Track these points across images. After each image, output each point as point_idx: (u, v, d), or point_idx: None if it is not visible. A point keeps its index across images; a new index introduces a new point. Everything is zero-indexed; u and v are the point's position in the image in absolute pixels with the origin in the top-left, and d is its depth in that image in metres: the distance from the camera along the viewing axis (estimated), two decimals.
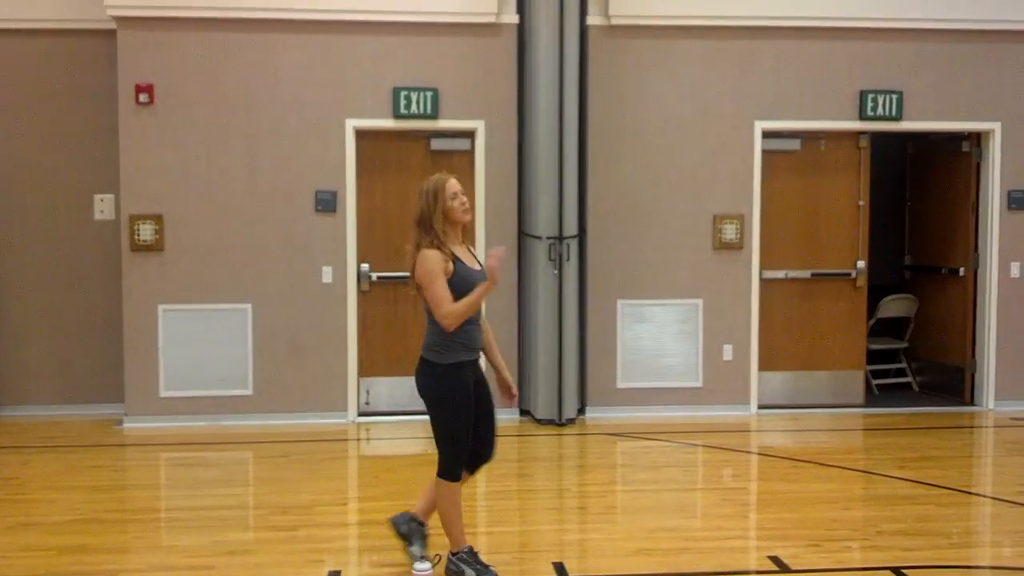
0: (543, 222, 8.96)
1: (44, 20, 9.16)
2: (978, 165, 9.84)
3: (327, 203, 9.03)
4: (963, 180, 9.98)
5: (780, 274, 9.66)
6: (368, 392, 9.29)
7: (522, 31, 9.12)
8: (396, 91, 9.01)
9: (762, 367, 9.59)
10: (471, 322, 4.98)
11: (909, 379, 10.78)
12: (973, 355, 9.95)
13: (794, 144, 9.59)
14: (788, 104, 9.44)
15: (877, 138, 9.83)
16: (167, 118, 8.89)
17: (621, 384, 9.38)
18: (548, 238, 8.94)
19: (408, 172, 9.22)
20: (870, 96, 9.44)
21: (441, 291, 4.83)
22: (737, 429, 8.98)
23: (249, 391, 9.03)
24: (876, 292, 10.30)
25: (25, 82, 9.26)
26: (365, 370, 9.25)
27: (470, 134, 9.20)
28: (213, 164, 8.94)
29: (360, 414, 9.21)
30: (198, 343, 8.96)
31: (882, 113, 9.47)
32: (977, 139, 9.81)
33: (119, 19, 8.83)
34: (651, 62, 9.32)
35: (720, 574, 5.27)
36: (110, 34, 8.97)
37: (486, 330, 5.18)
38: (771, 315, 9.62)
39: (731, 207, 9.42)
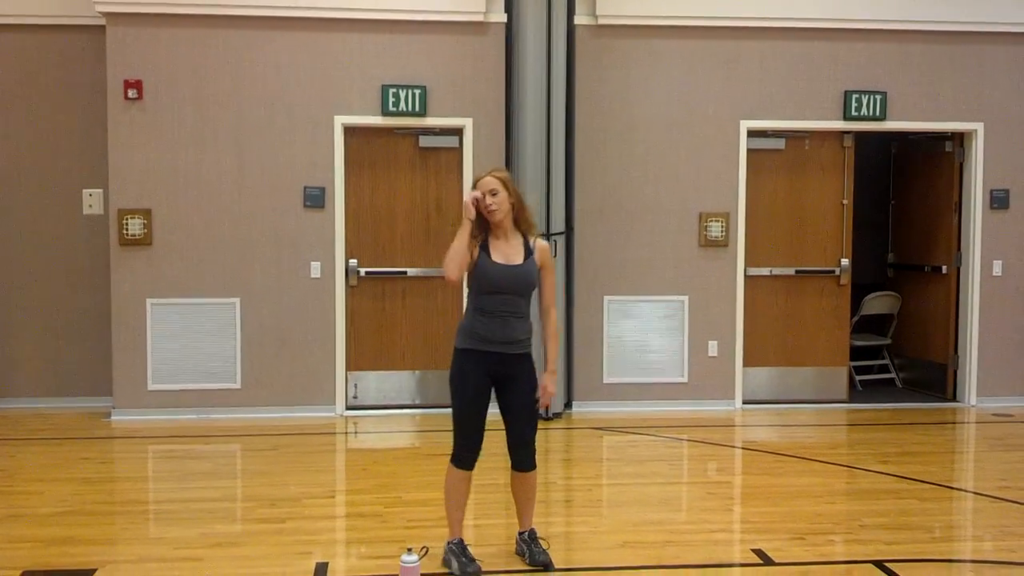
0: None
1: (33, 15, 9.19)
2: (961, 165, 9.94)
3: (315, 199, 9.06)
4: (946, 179, 10.09)
5: (765, 271, 9.73)
6: (356, 386, 9.33)
7: (510, 29, 9.16)
8: (385, 88, 9.05)
9: (747, 363, 9.67)
10: (489, 315, 5.06)
11: (892, 375, 10.89)
12: (955, 352, 10.05)
13: (779, 143, 9.67)
14: (773, 104, 9.51)
15: (861, 138, 9.92)
16: (156, 114, 8.91)
17: (607, 379, 9.45)
18: None
19: (396, 169, 9.27)
20: (854, 96, 9.52)
21: (451, 249, 5.03)
22: (722, 424, 9.05)
23: (237, 385, 9.06)
24: (860, 289, 10.40)
25: (14, 77, 9.27)
26: (353, 364, 9.29)
27: (458, 131, 9.25)
28: (202, 159, 8.96)
29: (348, 408, 9.25)
30: (186, 337, 9.00)
31: (866, 113, 9.55)
32: (960, 139, 9.91)
33: (108, 15, 8.84)
34: (638, 61, 9.38)
35: (705, 567, 5.32)
36: (99, 30, 8.99)
37: (545, 327, 5.26)
38: (756, 312, 9.70)
39: (716, 205, 9.49)
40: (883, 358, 10.97)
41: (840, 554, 5.59)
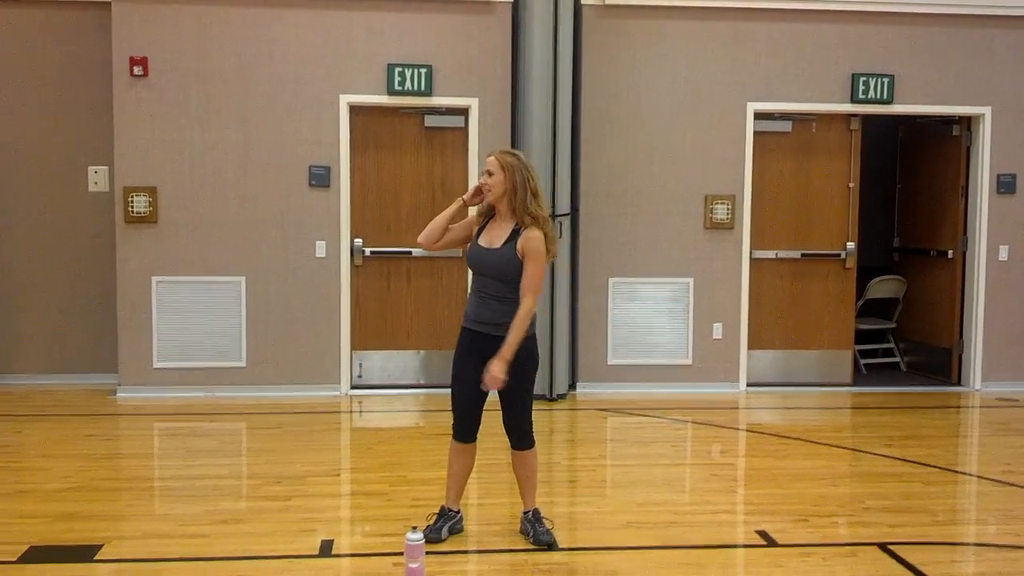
0: None
1: None
2: (968, 149, 9.91)
3: (321, 178, 9.05)
4: (953, 164, 10.05)
5: (770, 254, 9.72)
6: (361, 365, 9.33)
7: (516, 9, 9.13)
8: (391, 67, 9.03)
9: (751, 346, 9.67)
10: (474, 294, 5.18)
11: (897, 359, 10.89)
12: (961, 336, 10.05)
13: (786, 126, 9.65)
14: (780, 86, 9.48)
15: (868, 121, 9.89)
16: (161, 91, 8.89)
17: (612, 361, 9.46)
18: None
19: (402, 148, 9.25)
20: (862, 79, 9.49)
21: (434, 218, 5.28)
22: (726, 406, 9.05)
23: (242, 363, 9.07)
24: (865, 273, 10.39)
25: (19, 53, 9.25)
26: (358, 343, 9.29)
27: (464, 111, 9.22)
28: (207, 137, 8.95)
29: (353, 387, 9.27)
30: (192, 315, 9.00)
31: (873, 96, 9.52)
32: (967, 123, 9.88)
33: None
34: (644, 42, 9.35)
35: (709, 547, 5.33)
36: (104, 6, 8.96)
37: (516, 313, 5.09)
38: (761, 295, 9.69)
39: (722, 187, 9.48)
40: (888, 342, 10.96)
41: (844, 536, 5.60)
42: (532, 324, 5.12)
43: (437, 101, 9.16)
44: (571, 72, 9.07)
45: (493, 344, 5.03)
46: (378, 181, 9.25)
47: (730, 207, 9.45)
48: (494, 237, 5.14)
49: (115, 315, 9.01)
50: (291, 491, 6.19)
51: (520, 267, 5.04)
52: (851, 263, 9.83)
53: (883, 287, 10.74)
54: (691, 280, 9.50)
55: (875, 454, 7.33)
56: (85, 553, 5.08)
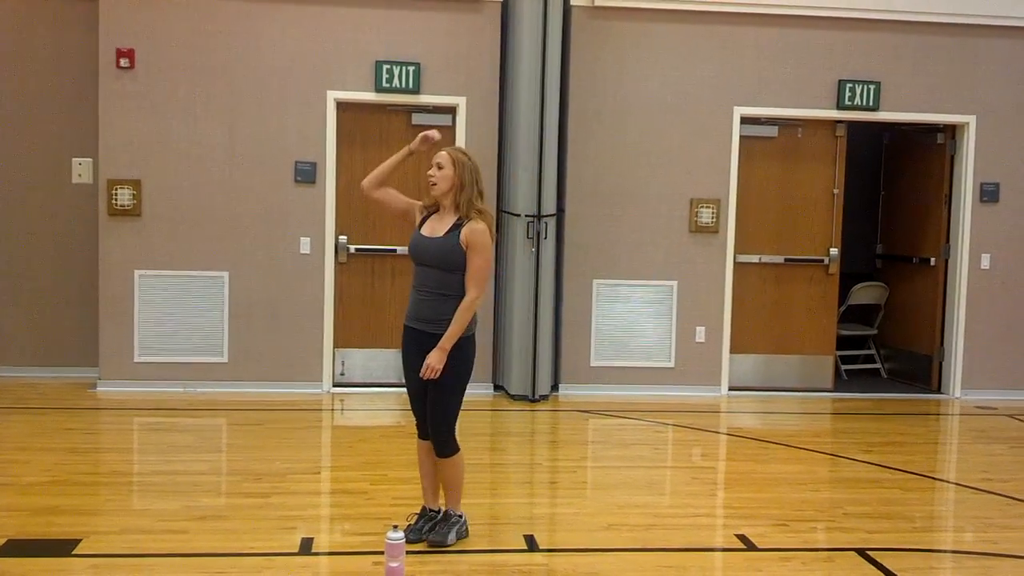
0: (522, 200, 9.00)
1: None
2: (952, 157, 9.96)
3: (306, 174, 9.03)
4: (937, 172, 10.10)
5: (754, 259, 9.75)
6: (343, 363, 9.32)
7: (506, 8, 9.13)
8: (378, 64, 9.01)
9: (734, 349, 9.69)
10: (413, 289, 5.17)
11: (878, 365, 10.94)
12: (941, 344, 10.09)
13: (772, 131, 9.68)
14: (767, 91, 9.51)
15: (854, 127, 9.92)
16: (147, 84, 8.85)
17: (595, 362, 9.46)
18: (526, 216, 8.99)
19: (388, 146, 9.19)
20: (848, 85, 9.52)
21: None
22: (708, 410, 9.07)
23: (224, 359, 9.04)
24: (848, 279, 10.43)
25: (4, 43, 9.19)
26: (341, 341, 9.28)
27: (451, 110, 9.21)
28: (193, 131, 8.92)
29: (335, 385, 9.24)
30: (174, 309, 8.96)
31: (859, 103, 9.56)
32: (952, 131, 9.93)
33: None
34: (633, 44, 9.36)
35: (688, 550, 5.35)
36: None
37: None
38: (744, 299, 9.71)
39: (708, 191, 9.50)
40: (869, 348, 11.01)
41: (823, 541, 5.62)
42: (473, 323, 5.10)
43: (425, 99, 9.15)
44: (559, 72, 9.07)
45: (431, 340, 5.04)
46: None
47: (715, 211, 9.48)
48: (437, 228, 5.14)
49: (97, 308, 8.96)
50: (271, 488, 6.17)
51: (462, 257, 5.03)
52: (834, 269, 9.87)
53: (865, 293, 10.79)
54: (675, 283, 9.51)
55: (855, 460, 7.36)
56: (63, 547, 5.05)
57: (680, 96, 9.43)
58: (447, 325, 5.00)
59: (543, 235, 9.01)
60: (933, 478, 7.04)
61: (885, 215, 11.14)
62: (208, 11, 8.89)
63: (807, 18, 9.45)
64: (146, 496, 6.16)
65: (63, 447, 7.04)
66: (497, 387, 9.32)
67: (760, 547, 5.39)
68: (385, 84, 9.02)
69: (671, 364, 9.55)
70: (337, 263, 9.20)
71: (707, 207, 9.47)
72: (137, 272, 8.90)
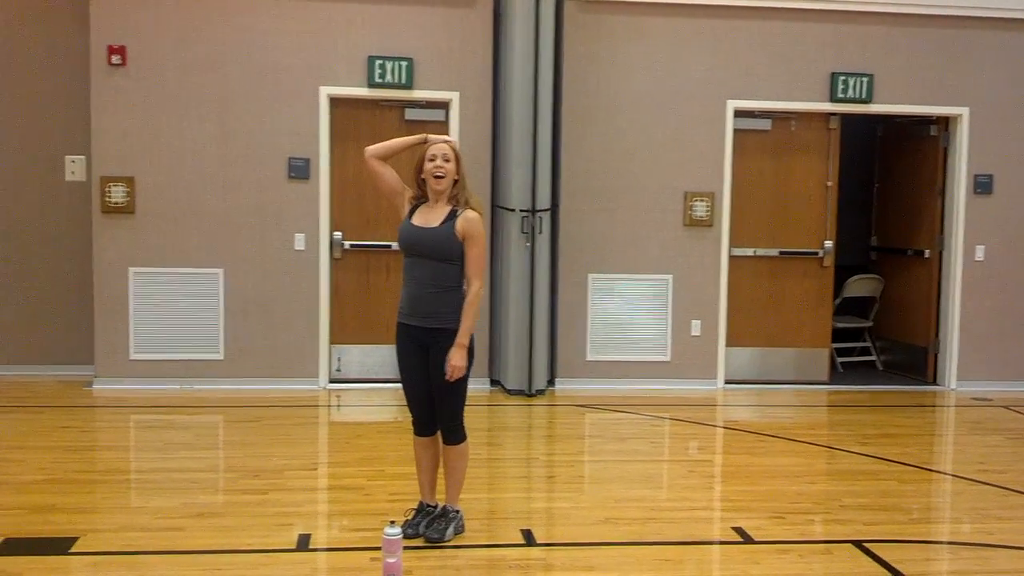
0: (516, 195, 9.00)
1: None
2: (945, 149, 9.97)
3: (300, 170, 9.02)
4: (930, 164, 10.11)
5: (749, 252, 9.75)
6: (339, 359, 9.31)
7: (498, 3, 9.12)
8: (371, 60, 9.00)
9: (729, 343, 9.70)
10: (405, 284, 5.15)
11: (873, 358, 10.95)
12: (936, 335, 10.11)
13: (765, 124, 9.68)
14: (760, 84, 9.51)
15: (847, 120, 9.93)
16: (139, 80, 8.84)
17: (591, 356, 9.46)
18: (521, 211, 8.98)
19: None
20: (841, 78, 9.52)
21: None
22: (704, 403, 9.08)
23: (220, 356, 9.03)
24: (842, 272, 10.44)
25: None
26: (336, 337, 9.27)
27: (445, 105, 9.20)
28: (186, 128, 8.90)
29: (331, 381, 9.24)
30: (169, 307, 8.95)
31: (853, 95, 9.56)
32: (945, 124, 9.94)
33: None
34: (626, 38, 9.35)
35: (685, 544, 5.35)
36: None
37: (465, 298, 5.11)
38: (739, 292, 9.72)
39: (702, 185, 9.50)
40: (864, 340, 11.02)
41: (819, 534, 5.63)
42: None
43: (418, 94, 9.14)
44: (552, 67, 9.06)
45: (432, 335, 5.05)
46: (358, 174, 9.20)
47: (709, 204, 9.48)
48: (430, 218, 5.12)
49: (92, 306, 8.94)
50: (268, 485, 6.17)
51: (459, 247, 5.04)
52: (829, 261, 9.88)
53: (860, 286, 10.80)
54: (670, 277, 9.51)
55: (851, 452, 7.37)
56: (60, 545, 5.05)
57: (673, 90, 9.42)
58: (446, 319, 5.02)
59: (538, 230, 9.01)
60: (929, 470, 7.05)
61: (879, 208, 11.15)
62: (199, 7, 8.86)
63: (800, 11, 9.45)
64: (143, 494, 6.15)
65: (59, 445, 7.03)
66: (494, 382, 9.32)
67: (757, 540, 5.40)
68: (378, 79, 9.01)
69: (667, 358, 9.56)
70: (332, 259, 9.19)
71: (701, 201, 9.47)
72: (132, 270, 8.89)
